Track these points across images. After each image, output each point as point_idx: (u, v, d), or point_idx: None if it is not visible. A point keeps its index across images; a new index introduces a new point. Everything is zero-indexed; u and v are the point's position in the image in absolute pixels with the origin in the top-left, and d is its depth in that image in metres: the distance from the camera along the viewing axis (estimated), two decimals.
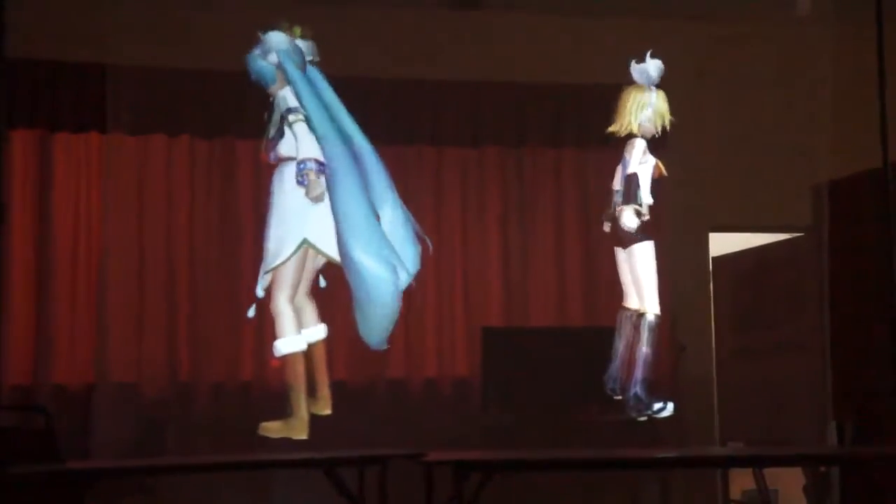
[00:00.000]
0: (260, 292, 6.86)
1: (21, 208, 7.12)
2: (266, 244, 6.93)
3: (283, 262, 6.85)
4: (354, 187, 6.84)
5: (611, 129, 7.23)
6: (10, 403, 6.66)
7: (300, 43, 6.93)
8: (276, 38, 6.87)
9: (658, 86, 7.25)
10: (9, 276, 7.02)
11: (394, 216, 6.93)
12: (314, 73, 6.93)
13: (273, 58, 6.85)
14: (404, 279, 6.84)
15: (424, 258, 7.05)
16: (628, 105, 7.19)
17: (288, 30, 6.90)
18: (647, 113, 7.16)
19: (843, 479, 5.68)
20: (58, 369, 7.02)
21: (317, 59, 6.97)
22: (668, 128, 7.26)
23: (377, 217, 6.90)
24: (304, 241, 6.88)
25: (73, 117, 7.27)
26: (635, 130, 7.17)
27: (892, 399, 5.08)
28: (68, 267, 7.13)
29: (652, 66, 7.19)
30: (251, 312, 6.88)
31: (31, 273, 7.10)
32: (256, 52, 6.87)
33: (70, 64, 7.23)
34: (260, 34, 6.85)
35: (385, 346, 6.94)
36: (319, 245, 6.88)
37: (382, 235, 6.87)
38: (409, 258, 6.92)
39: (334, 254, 6.90)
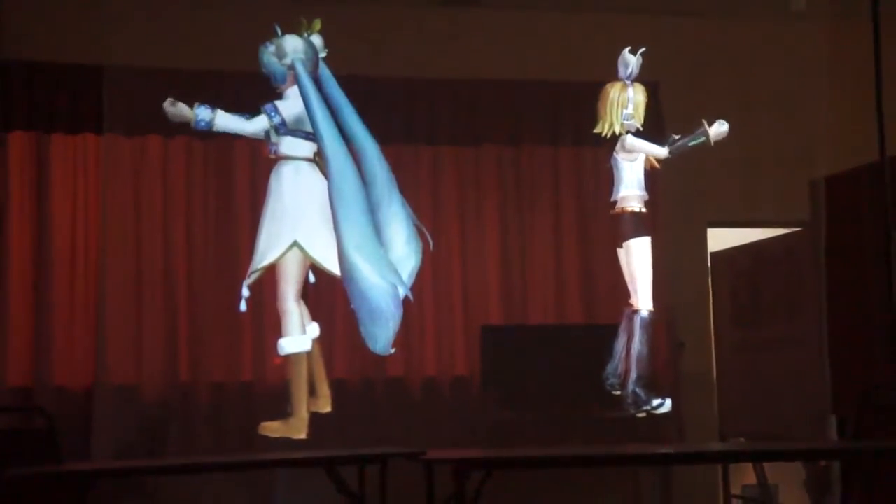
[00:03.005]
0: (245, 291, 6.78)
1: (19, 210, 7.13)
2: (257, 243, 6.87)
3: (271, 263, 6.79)
4: (356, 197, 6.67)
5: (596, 130, 7.24)
6: (10, 405, 6.68)
7: (315, 38, 6.83)
8: (292, 45, 6.76)
9: (646, 81, 7.26)
10: (7, 278, 7.04)
11: (396, 214, 6.84)
12: (325, 72, 6.82)
13: (287, 61, 6.78)
14: (402, 291, 6.74)
15: (424, 256, 7.00)
16: (608, 105, 7.19)
17: (307, 26, 6.83)
18: (628, 110, 7.17)
19: (844, 473, 5.68)
20: (58, 371, 7.02)
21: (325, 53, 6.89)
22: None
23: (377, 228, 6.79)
24: (295, 244, 6.80)
25: (70, 119, 7.27)
26: (619, 130, 7.18)
27: (892, 392, 5.09)
28: (67, 268, 7.13)
29: (632, 60, 7.18)
30: (242, 307, 6.82)
31: (30, 275, 7.10)
32: (270, 49, 6.78)
33: (66, 65, 7.22)
34: (277, 29, 6.77)
35: (391, 351, 6.76)
36: (308, 248, 6.80)
37: (381, 251, 6.71)
38: (407, 266, 6.82)
39: (322, 258, 6.79)
